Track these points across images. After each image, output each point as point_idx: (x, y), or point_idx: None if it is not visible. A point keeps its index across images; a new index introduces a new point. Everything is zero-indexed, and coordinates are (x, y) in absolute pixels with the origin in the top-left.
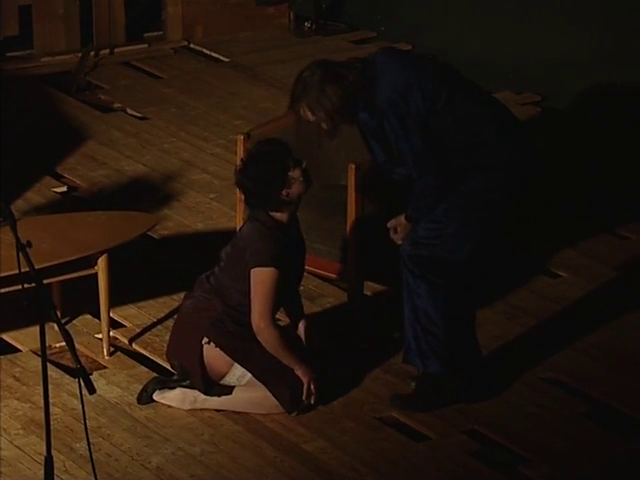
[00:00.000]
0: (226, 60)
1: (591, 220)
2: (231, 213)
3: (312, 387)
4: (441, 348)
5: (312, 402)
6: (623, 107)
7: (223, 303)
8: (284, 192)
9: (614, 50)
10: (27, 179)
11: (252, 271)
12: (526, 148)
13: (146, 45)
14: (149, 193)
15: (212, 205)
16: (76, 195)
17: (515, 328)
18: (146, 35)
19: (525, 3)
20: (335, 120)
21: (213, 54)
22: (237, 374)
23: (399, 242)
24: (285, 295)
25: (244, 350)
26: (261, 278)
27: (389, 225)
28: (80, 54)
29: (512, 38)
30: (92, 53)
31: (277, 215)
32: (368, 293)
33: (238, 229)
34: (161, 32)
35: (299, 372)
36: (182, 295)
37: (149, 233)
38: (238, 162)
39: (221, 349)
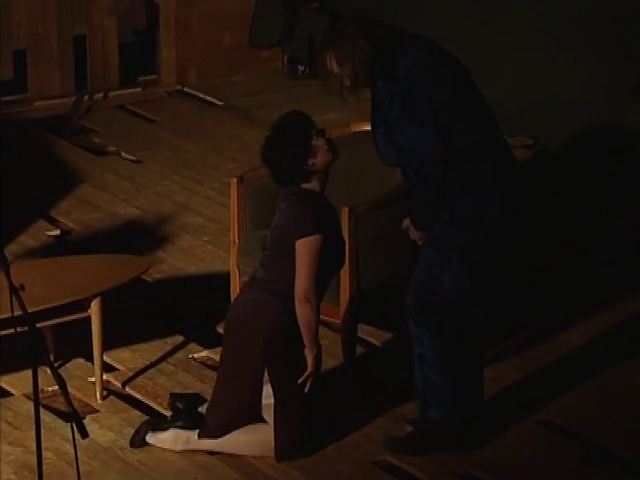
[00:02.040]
0: (220, 103)
1: (584, 265)
2: (225, 256)
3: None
4: (443, 395)
5: (306, 390)
6: (617, 150)
7: (275, 295)
8: (310, 162)
9: (608, 91)
10: (21, 222)
11: (297, 243)
12: (521, 183)
13: (140, 89)
14: (143, 236)
15: (206, 248)
16: (70, 238)
17: (509, 370)
18: (140, 79)
19: (517, 45)
20: (359, 79)
21: (207, 97)
22: (264, 393)
23: (419, 242)
24: (330, 272)
25: (286, 371)
26: (307, 247)
27: (403, 225)
28: (74, 98)
29: (504, 80)
30: (86, 97)
31: (308, 186)
32: (362, 336)
33: (277, 210)
34: (155, 76)
35: (310, 356)
36: (176, 338)
37: (143, 276)
38: (234, 180)
39: (267, 360)
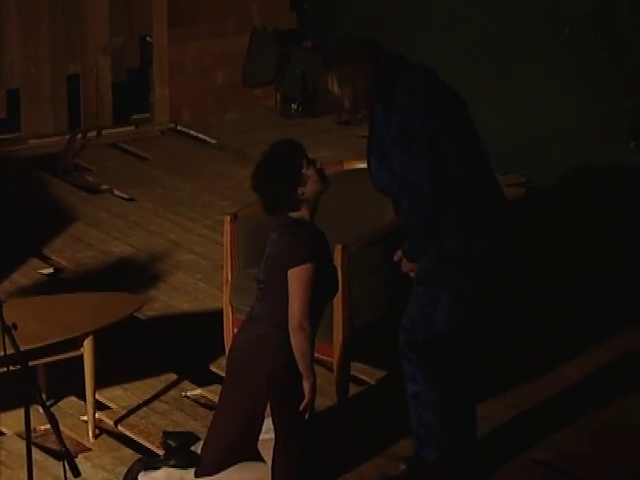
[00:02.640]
0: (213, 141)
1: (575, 301)
2: (218, 294)
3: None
4: (438, 433)
5: (305, 417)
6: (610, 187)
7: (275, 328)
8: (299, 190)
9: (600, 130)
10: (14, 261)
11: (290, 272)
12: (508, 217)
13: (133, 127)
14: (136, 274)
15: (199, 286)
16: (62, 276)
17: (502, 408)
18: (133, 117)
19: (509, 83)
20: (358, 101)
21: (200, 135)
22: (264, 427)
23: (412, 274)
24: (324, 301)
25: (288, 405)
26: (299, 276)
27: (396, 257)
28: (68, 136)
29: (496, 118)
30: (79, 135)
31: (298, 215)
32: (356, 374)
33: (268, 241)
34: (148, 114)
35: (308, 384)
36: (169, 376)
37: (136, 314)
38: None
39: (270, 394)
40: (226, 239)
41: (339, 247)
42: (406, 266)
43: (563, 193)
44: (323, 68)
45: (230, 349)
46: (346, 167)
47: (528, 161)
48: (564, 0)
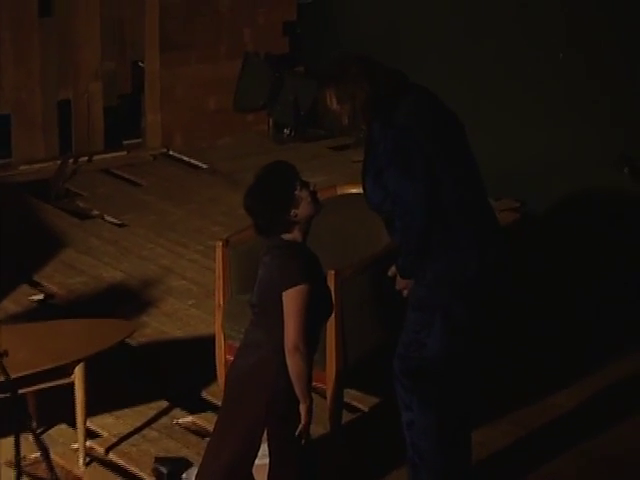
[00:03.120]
0: (205, 166)
1: (571, 327)
2: (210, 319)
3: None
4: (433, 460)
5: (302, 442)
6: (604, 213)
7: (273, 351)
8: (292, 212)
9: (594, 155)
10: (4, 287)
11: (284, 294)
12: (500, 240)
13: (125, 152)
14: (127, 300)
15: (190, 312)
16: (53, 303)
17: (498, 435)
18: (125, 142)
19: (504, 108)
20: (357, 118)
21: (192, 161)
22: (259, 453)
23: (405, 291)
24: (319, 322)
25: (286, 431)
26: (294, 297)
27: (390, 273)
28: (59, 162)
29: (491, 143)
30: (71, 161)
31: (290, 237)
32: (349, 401)
33: (260, 264)
34: (140, 139)
35: (304, 407)
36: (160, 403)
37: (127, 340)
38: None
39: (268, 420)
40: (218, 265)
41: (332, 273)
42: (400, 283)
43: (557, 218)
44: (323, 83)
45: (227, 377)
46: (339, 192)
47: (522, 186)
48: (558, 28)
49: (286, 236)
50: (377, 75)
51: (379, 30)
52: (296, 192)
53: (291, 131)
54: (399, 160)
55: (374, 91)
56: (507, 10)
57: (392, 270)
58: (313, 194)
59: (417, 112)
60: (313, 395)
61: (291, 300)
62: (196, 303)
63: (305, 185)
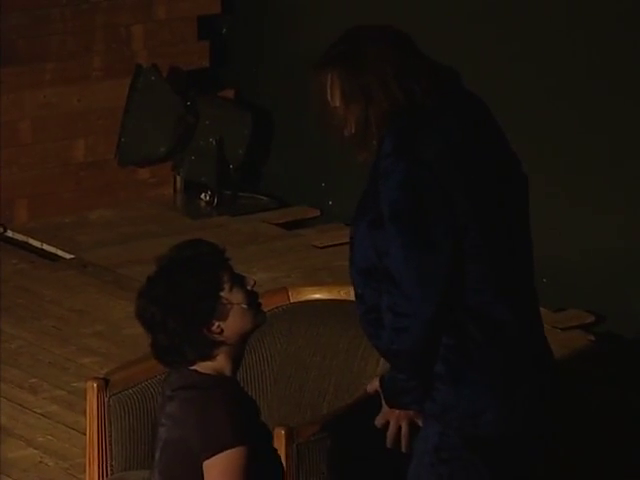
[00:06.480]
0: (68, 257)
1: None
2: None
3: None
4: None
5: None
6: None
7: None
8: (215, 326)
9: None
10: None
11: (206, 465)
12: (549, 371)
13: None
14: None
15: None
16: None
17: None
18: None
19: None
20: (368, 128)
21: (46, 247)
22: None
23: (390, 431)
24: None
25: None
26: (221, 470)
27: (368, 389)
28: None
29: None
30: None
31: (211, 366)
32: None
33: (161, 414)
34: None
35: None
36: None
37: None
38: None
39: None
40: (90, 421)
41: (281, 432)
42: (385, 416)
43: None
44: (322, 64)
45: None
46: (293, 299)
47: (599, 293)
48: None
49: (205, 366)
50: (412, 70)
51: (346, 25)
52: (222, 293)
53: (212, 197)
54: (408, 222)
55: (402, 94)
56: None
57: (373, 385)
58: (251, 296)
59: (453, 143)
60: None
61: (219, 473)
62: None
63: (238, 282)
